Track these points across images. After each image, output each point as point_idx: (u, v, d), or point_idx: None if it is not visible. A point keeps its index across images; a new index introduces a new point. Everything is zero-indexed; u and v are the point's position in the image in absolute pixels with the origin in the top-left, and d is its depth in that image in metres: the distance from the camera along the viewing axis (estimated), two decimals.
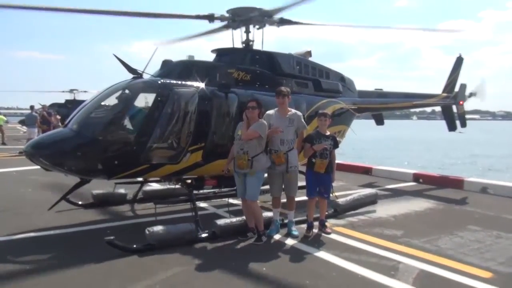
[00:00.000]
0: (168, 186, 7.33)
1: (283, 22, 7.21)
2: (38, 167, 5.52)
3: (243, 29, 7.32)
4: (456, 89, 12.03)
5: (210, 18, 6.96)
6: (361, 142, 26.69)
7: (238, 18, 7.04)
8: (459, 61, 12.15)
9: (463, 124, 12.07)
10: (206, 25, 7.16)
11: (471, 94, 12.16)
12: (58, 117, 19.51)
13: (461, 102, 11.94)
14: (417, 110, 57.67)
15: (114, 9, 6.49)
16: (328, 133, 5.99)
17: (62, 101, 28.60)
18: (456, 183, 9.93)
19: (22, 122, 27.44)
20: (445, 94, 11.80)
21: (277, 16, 7.05)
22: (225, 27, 7.26)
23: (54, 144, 5.44)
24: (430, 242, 5.59)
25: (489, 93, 12.34)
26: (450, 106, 11.93)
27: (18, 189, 8.82)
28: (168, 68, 6.20)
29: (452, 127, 12.03)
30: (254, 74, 6.90)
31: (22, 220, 6.36)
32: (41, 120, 18.23)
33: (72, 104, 24.66)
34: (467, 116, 12.64)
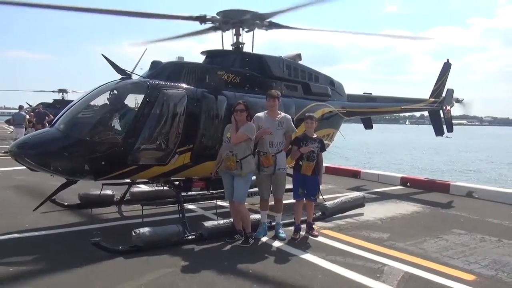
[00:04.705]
0: (156, 188, 7.28)
1: (272, 25, 7.23)
2: (24, 167, 5.45)
3: (233, 31, 7.33)
4: (444, 94, 12.19)
5: (202, 19, 6.95)
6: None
7: (229, 20, 7.04)
8: (446, 66, 12.27)
9: (450, 129, 12.22)
10: (196, 26, 7.18)
11: (457, 100, 12.33)
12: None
13: (447, 107, 12.09)
14: (407, 114, 58.23)
15: (103, 7, 6.45)
16: (315, 135, 6.03)
17: (50, 100, 28.30)
18: (443, 187, 10.08)
19: (8, 122, 26.99)
20: (432, 99, 11.94)
21: (267, 20, 7.07)
22: (214, 29, 7.26)
23: (40, 144, 5.36)
24: (416, 245, 5.65)
25: (476, 99, 12.65)
26: (438, 111, 12.06)
27: (3, 189, 8.69)
28: (157, 69, 6.17)
29: (439, 132, 12.18)
30: (244, 76, 6.91)
31: (7, 220, 6.27)
32: (34, 120, 17.86)
33: (61, 104, 24.41)
34: (455, 121, 12.80)
